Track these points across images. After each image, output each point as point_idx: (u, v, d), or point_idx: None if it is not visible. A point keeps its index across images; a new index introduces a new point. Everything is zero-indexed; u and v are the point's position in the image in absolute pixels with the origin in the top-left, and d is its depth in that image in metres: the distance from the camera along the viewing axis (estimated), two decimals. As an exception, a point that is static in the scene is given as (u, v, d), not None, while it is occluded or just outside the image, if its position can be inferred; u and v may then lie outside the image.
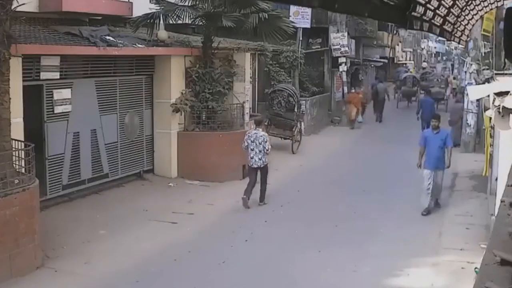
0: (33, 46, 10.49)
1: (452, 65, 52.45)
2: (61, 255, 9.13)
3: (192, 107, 14.37)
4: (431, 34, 38.40)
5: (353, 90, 25.83)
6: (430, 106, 20.83)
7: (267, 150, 12.13)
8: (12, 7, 8.83)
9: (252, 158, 12.20)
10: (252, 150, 12.14)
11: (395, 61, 44.78)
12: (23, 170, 9.01)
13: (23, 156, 9.15)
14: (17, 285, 7.96)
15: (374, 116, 26.75)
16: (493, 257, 1.94)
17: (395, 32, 40.89)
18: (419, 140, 12.25)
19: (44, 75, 11.07)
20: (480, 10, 4.82)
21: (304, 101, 20.74)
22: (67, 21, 13.02)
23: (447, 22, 4.00)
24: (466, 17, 4.54)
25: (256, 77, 19.84)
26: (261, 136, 12.19)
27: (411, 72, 37.80)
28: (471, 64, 18.22)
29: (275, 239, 10.20)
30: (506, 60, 10.80)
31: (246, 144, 12.18)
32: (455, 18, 4.20)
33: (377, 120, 26.36)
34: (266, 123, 18.39)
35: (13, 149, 8.99)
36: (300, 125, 19.11)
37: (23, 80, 10.21)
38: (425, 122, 19.33)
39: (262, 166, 12.23)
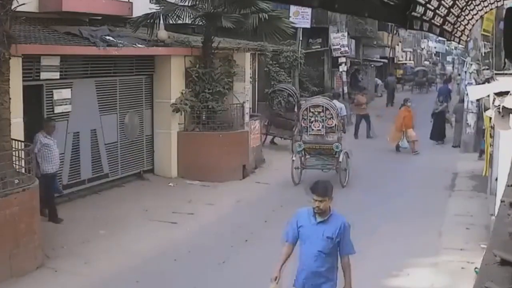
0: (33, 46, 10.48)
1: (447, 65, 54.61)
2: (61, 255, 9.13)
3: (192, 107, 14.36)
4: (431, 34, 38.87)
5: (408, 103, 19.41)
6: (446, 92, 25.00)
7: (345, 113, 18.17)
8: (12, 7, 8.83)
9: None
10: None
11: (395, 61, 44.90)
12: (23, 170, 9.01)
13: (23, 156, 9.15)
14: (17, 285, 7.96)
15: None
16: (493, 257, 1.94)
17: (395, 32, 40.94)
18: (285, 232, 6.05)
19: (44, 75, 11.06)
20: (480, 10, 4.82)
21: (304, 101, 20.71)
22: (67, 21, 13.01)
23: (447, 22, 4.00)
24: (466, 17, 4.54)
25: (256, 77, 19.83)
26: (338, 104, 17.45)
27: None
28: (471, 64, 18.23)
29: (275, 239, 10.17)
30: (506, 60, 10.77)
31: None
32: (455, 18, 4.21)
33: (387, 104, 30.18)
34: (266, 123, 18.42)
35: (13, 149, 9.00)
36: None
37: (23, 80, 10.20)
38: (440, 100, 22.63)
39: None
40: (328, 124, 13.94)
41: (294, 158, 13.94)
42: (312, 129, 13.95)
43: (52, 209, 10.58)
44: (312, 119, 13.96)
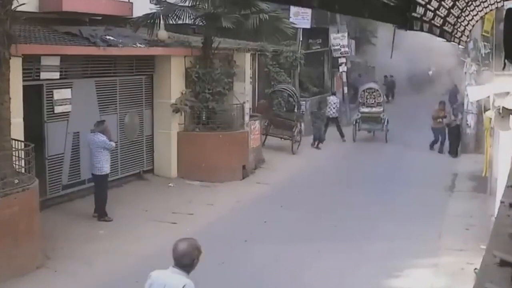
0: (33, 46, 10.48)
1: None
2: (61, 255, 9.13)
3: (192, 107, 14.37)
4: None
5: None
6: (455, 93, 26.11)
7: (338, 107, 21.45)
8: (12, 7, 8.83)
9: (330, 111, 20.96)
10: (330, 108, 21.04)
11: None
12: (23, 170, 9.01)
13: (23, 156, 9.15)
14: (17, 285, 7.96)
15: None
16: (492, 258, 1.94)
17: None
18: None
19: (44, 75, 11.07)
20: (480, 11, 4.82)
21: (304, 102, 20.75)
22: (67, 21, 13.00)
23: (447, 23, 4.00)
24: (466, 18, 4.53)
25: (256, 77, 19.83)
26: (335, 98, 21.74)
27: None
28: (471, 65, 18.22)
29: (275, 239, 10.20)
30: (506, 60, 10.76)
31: (328, 107, 21.17)
32: (455, 19, 4.20)
33: (387, 99, 29.57)
34: (266, 123, 18.42)
35: (13, 149, 9.00)
36: (300, 126, 19.11)
37: (23, 80, 10.21)
38: (451, 105, 23.50)
39: (335, 116, 20.98)
40: (377, 100, 21.18)
41: (354, 123, 20.82)
42: (368, 103, 21.08)
43: (103, 207, 10.99)
44: (368, 96, 21.27)
